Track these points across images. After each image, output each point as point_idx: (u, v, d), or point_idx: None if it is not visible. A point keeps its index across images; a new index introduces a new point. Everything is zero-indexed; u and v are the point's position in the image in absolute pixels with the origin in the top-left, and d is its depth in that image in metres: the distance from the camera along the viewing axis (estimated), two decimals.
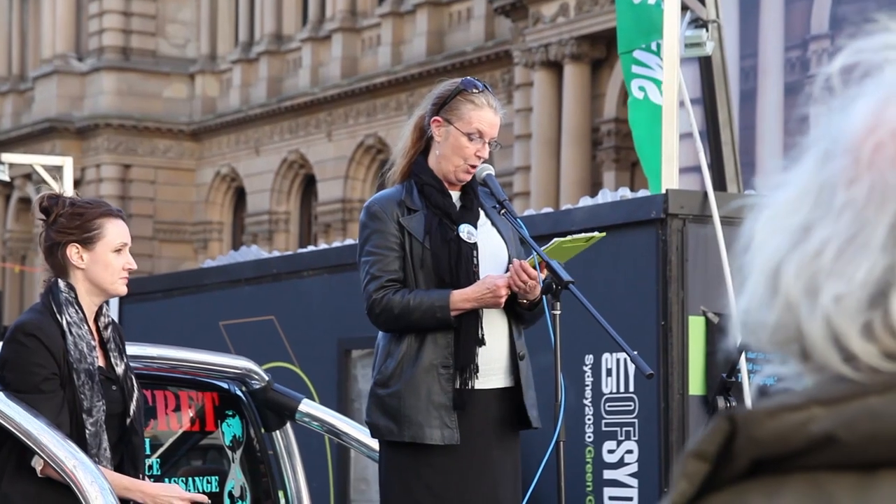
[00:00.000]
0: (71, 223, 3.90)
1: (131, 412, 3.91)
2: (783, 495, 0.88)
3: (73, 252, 3.89)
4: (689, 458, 0.90)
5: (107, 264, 3.89)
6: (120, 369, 3.93)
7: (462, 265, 4.07)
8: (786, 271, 0.91)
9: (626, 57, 6.33)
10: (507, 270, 4.09)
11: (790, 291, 0.91)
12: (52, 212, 3.93)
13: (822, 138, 0.94)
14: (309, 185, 32.24)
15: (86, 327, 3.86)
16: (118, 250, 3.91)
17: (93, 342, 3.87)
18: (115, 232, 3.92)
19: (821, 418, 0.87)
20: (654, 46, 6.29)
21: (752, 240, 0.94)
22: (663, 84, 6.07)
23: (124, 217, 4.02)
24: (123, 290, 3.97)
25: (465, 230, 4.11)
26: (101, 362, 3.89)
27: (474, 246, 4.12)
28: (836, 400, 0.88)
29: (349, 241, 8.45)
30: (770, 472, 0.89)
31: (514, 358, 4.13)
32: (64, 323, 3.82)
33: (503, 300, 4.01)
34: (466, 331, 4.06)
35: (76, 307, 3.86)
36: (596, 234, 4.16)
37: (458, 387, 4.05)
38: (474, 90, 4.15)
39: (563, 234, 4.22)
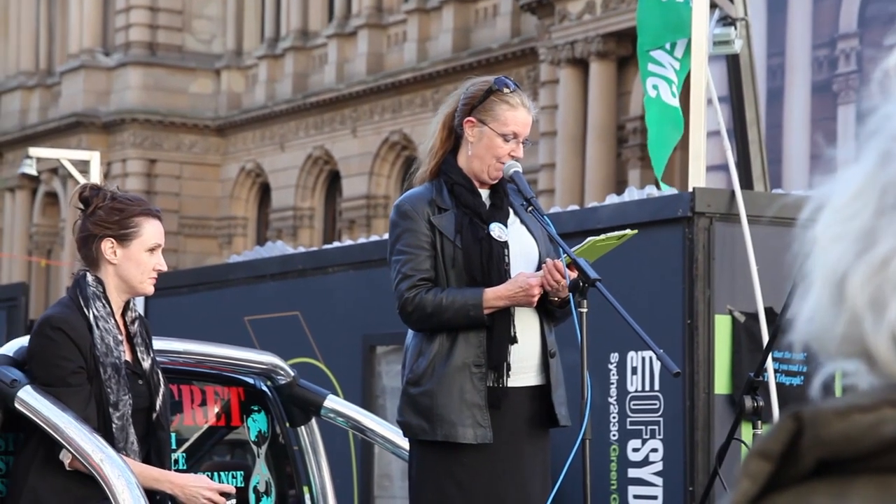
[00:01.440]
0: (109, 217, 3.90)
1: (157, 407, 3.91)
2: (851, 497, 0.86)
3: (107, 246, 3.90)
4: (752, 457, 0.88)
5: (139, 263, 3.90)
6: (146, 364, 3.93)
7: (493, 264, 4.06)
8: (851, 282, 0.89)
9: (643, 55, 6.31)
10: (539, 268, 4.09)
11: (856, 303, 0.88)
12: (91, 202, 3.93)
13: (881, 136, 0.91)
14: (333, 182, 32.27)
15: (112, 321, 3.87)
16: (151, 250, 3.92)
17: (119, 336, 3.87)
18: (151, 232, 3.93)
19: (893, 420, 0.85)
20: (667, 46, 6.27)
21: (813, 244, 0.91)
22: (691, 82, 6.05)
23: (161, 218, 4.03)
24: (151, 290, 3.98)
25: (495, 229, 4.11)
26: (127, 357, 3.89)
27: (505, 244, 4.11)
28: None
29: (374, 238, 8.46)
30: (836, 472, 0.87)
31: (546, 355, 4.13)
32: (91, 317, 3.83)
33: (536, 299, 4.00)
34: (499, 329, 4.05)
35: (103, 301, 3.87)
36: (628, 231, 4.16)
37: (490, 385, 4.05)
38: (507, 90, 4.14)
39: (590, 232, 4.21)
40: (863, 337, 0.89)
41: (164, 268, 3.97)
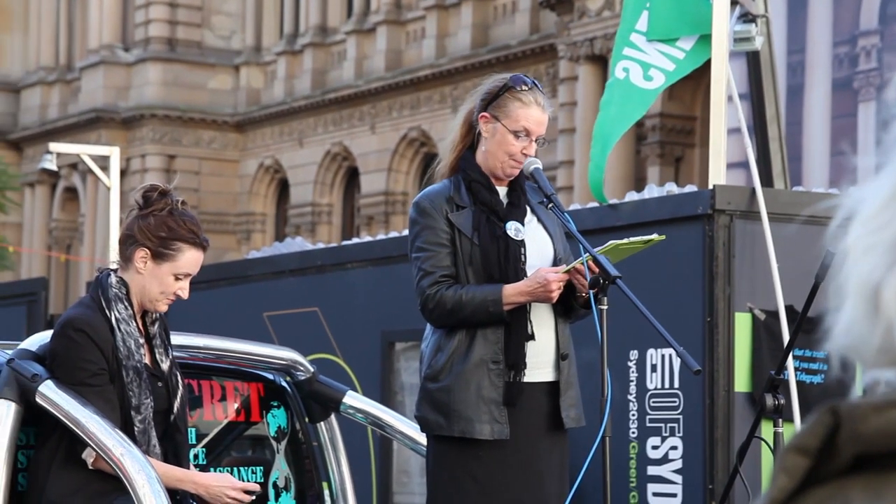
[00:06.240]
0: (157, 230, 3.86)
1: (175, 409, 3.90)
2: (886, 493, 0.86)
3: (139, 255, 3.86)
4: (789, 451, 0.88)
5: (162, 283, 3.87)
6: (165, 366, 3.92)
7: (510, 262, 4.07)
8: (885, 294, 0.89)
9: (622, 40, 6.23)
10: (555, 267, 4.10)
11: (891, 314, 0.88)
12: (151, 205, 3.88)
13: None
14: (352, 178, 32.29)
15: (134, 324, 3.85)
16: (179, 277, 3.90)
17: (141, 339, 3.86)
18: (188, 260, 3.89)
19: None
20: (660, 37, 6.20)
21: (845, 255, 0.91)
22: (712, 79, 6.03)
23: (206, 248, 3.96)
24: (163, 310, 3.94)
25: (512, 227, 4.11)
26: (146, 359, 3.88)
27: (522, 243, 4.11)
28: None
29: (393, 234, 8.46)
30: (874, 468, 0.87)
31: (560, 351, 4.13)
32: (113, 319, 3.81)
33: (555, 294, 3.99)
34: (516, 326, 4.05)
35: (126, 303, 3.85)
36: (655, 236, 4.13)
37: (507, 381, 4.05)
38: (523, 87, 4.13)
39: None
40: None
41: (185, 295, 3.90)
